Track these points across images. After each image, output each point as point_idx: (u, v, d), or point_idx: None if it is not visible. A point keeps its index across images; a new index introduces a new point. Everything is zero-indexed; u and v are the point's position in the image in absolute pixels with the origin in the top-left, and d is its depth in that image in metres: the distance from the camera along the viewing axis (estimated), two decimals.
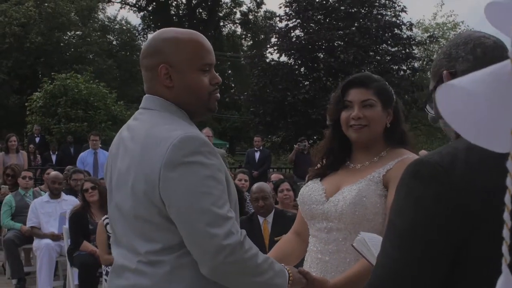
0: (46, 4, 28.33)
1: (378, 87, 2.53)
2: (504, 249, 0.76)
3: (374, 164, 2.52)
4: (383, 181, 2.43)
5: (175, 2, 43.19)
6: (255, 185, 6.05)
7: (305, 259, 2.64)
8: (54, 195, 7.71)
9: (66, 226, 6.96)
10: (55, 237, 7.37)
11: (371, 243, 2.06)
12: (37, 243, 7.44)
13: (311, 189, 2.62)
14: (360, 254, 2.14)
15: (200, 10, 42.67)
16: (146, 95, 2.14)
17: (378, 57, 22.66)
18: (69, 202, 7.65)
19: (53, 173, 8.19)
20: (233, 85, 39.70)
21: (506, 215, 0.74)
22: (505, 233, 0.76)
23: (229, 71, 41.01)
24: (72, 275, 6.66)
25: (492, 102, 0.86)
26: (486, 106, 0.87)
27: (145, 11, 42.80)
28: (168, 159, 1.88)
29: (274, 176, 8.52)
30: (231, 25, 45.02)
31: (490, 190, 1.34)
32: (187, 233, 1.89)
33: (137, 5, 42.54)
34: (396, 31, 22.92)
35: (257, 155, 13.42)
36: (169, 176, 1.88)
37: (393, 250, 1.40)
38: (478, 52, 1.53)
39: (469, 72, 0.94)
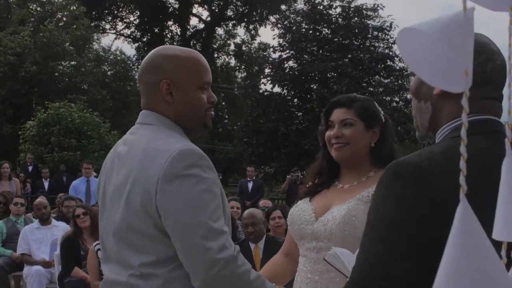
0: (41, 34, 28.44)
1: (360, 107, 2.59)
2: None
3: (362, 184, 2.55)
4: None
5: (170, 34, 43.53)
6: (246, 211, 6.09)
7: (295, 279, 2.64)
8: (43, 221, 7.70)
9: (57, 252, 6.93)
10: (46, 264, 7.32)
11: (343, 257, 2.12)
12: (27, 270, 7.39)
13: (300, 209, 2.64)
14: (332, 267, 2.19)
15: (194, 42, 42.95)
16: (143, 110, 2.16)
17: (371, 89, 22.76)
18: (60, 228, 7.64)
19: (37, 200, 8.19)
20: (226, 116, 39.75)
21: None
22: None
23: (223, 103, 41.08)
24: None
25: (448, 44, 0.90)
26: (442, 48, 0.91)
27: (139, 42, 43.07)
28: (166, 171, 1.91)
29: (263, 202, 8.50)
30: (225, 56, 45.33)
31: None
32: (181, 246, 1.89)
33: (131, 36, 42.82)
34: (388, 62, 23.09)
35: (250, 185, 13.43)
36: (166, 188, 1.90)
37: (373, 249, 1.41)
38: (488, 67, 1.51)
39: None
